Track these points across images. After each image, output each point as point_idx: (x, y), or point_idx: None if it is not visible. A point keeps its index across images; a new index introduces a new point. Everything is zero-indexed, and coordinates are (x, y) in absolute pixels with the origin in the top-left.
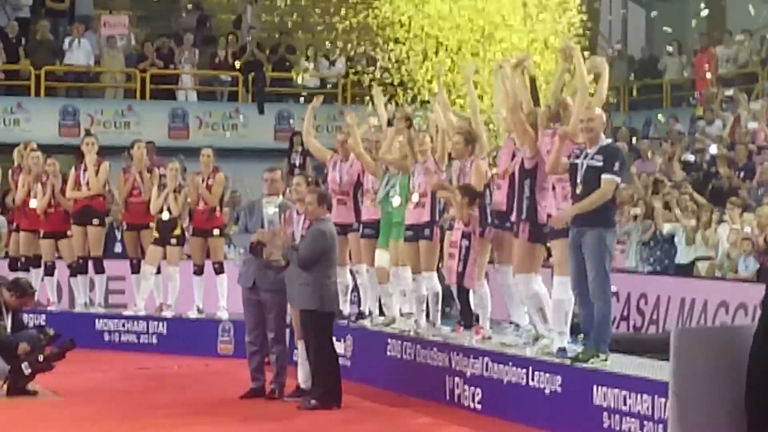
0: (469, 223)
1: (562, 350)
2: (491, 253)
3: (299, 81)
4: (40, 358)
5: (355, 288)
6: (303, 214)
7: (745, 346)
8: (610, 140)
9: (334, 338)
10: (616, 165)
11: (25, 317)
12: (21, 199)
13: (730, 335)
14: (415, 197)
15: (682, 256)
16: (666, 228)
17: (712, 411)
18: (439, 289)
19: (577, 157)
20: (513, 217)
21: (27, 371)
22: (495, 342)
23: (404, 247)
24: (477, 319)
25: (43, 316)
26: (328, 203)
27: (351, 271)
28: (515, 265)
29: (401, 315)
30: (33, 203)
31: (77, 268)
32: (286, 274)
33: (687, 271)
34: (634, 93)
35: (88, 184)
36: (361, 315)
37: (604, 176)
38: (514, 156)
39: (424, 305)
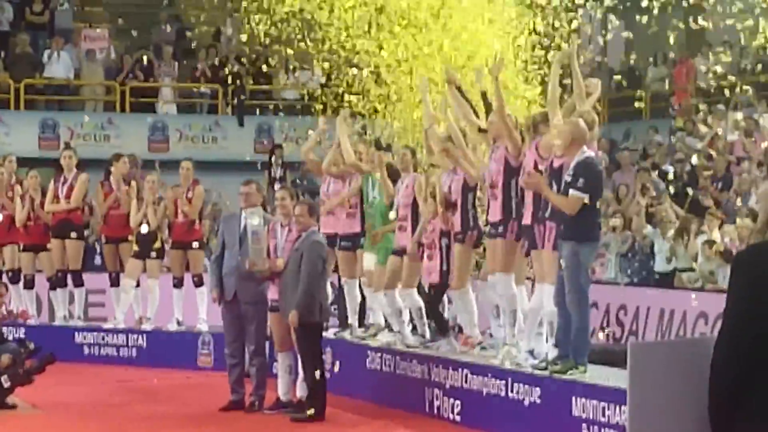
0: (448, 223)
1: (543, 358)
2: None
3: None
4: (20, 371)
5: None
6: (286, 227)
7: (706, 357)
8: (589, 153)
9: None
10: (581, 181)
11: (4, 330)
12: None
13: (690, 347)
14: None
15: (661, 266)
16: (647, 229)
17: (674, 425)
18: (421, 303)
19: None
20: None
21: (6, 384)
22: (501, 358)
23: (389, 262)
24: (460, 329)
25: (23, 330)
26: (317, 214)
27: (330, 283)
28: (496, 264)
29: (386, 327)
30: None
31: (56, 282)
32: (281, 286)
33: (666, 282)
34: (615, 104)
35: (67, 197)
36: (340, 326)
37: (570, 192)
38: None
39: (407, 319)
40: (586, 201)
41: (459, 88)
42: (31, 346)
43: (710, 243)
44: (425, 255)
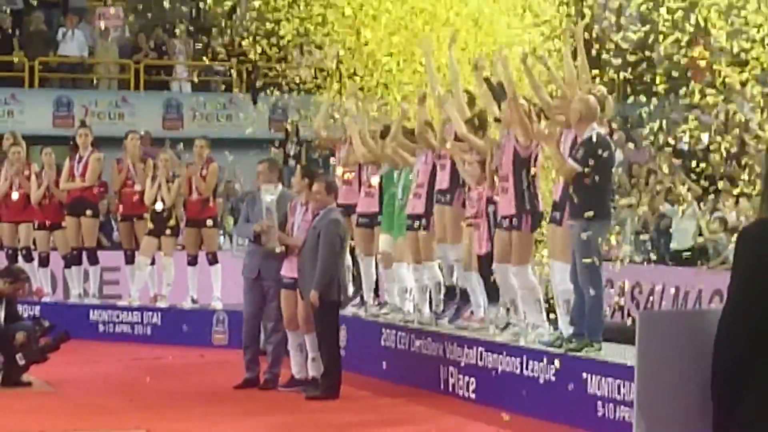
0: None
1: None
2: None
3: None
4: (35, 349)
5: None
6: (305, 205)
7: (713, 331)
8: (597, 130)
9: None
10: (580, 153)
11: (20, 308)
12: (3, 192)
13: (698, 319)
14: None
15: (677, 244)
16: (665, 207)
17: (679, 396)
18: (441, 278)
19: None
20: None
21: (21, 362)
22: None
23: (404, 237)
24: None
25: (38, 308)
26: (335, 192)
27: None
28: (513, 257)
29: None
30: (15, 196)
31: (71, 259)
32: (299, 265)
33: (682, 259)
34: (629, 82)
35: (82, 175)
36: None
37: (569, 161)
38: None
39: (427, 295)
40: (579, 170)
41: (487, 79)
42: (46, 323)
43: (722, 221)
44: (472, 224)
